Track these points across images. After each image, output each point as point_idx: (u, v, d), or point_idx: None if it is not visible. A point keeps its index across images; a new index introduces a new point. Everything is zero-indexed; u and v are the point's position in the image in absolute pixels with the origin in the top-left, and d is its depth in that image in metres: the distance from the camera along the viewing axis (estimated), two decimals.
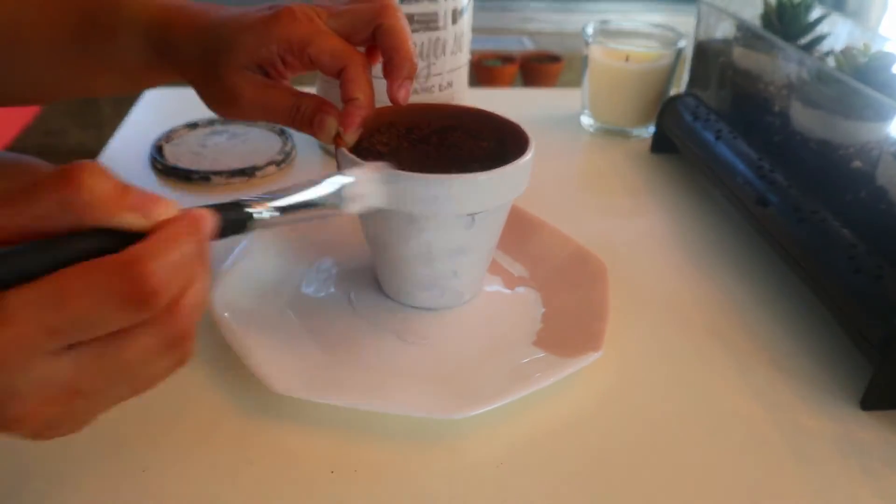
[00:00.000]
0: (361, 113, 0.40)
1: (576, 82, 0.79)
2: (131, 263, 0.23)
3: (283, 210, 0.32)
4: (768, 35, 0.59)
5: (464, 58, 0.64)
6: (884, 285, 0.41)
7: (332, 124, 0.40)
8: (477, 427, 0.38)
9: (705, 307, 0.49)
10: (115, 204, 0.24)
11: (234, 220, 0.30)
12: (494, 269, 0.50)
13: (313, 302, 0.46)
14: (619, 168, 0.68)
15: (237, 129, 0.70)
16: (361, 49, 0.42)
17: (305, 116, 0.41)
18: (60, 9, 0.45)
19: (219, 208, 0.29)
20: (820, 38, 0.59)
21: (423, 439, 0.38)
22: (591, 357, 0.40)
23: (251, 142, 0.68)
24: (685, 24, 0.75)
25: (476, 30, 0.70)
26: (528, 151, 0.41)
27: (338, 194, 0.35)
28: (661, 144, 0.70)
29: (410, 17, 0.57)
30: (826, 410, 0.41)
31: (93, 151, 0.67)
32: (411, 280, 0.44)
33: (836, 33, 0.59)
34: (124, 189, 0.25)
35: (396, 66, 0.41)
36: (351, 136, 0.41)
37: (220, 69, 0.41)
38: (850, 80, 0.48)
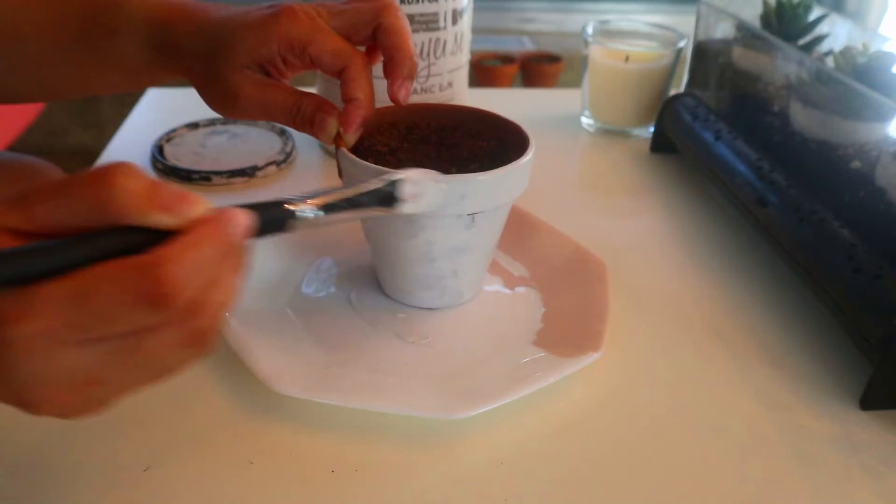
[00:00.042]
0: (362, 113, 0.40)
1: (576, 82, 0.79)
2: (152, 265, 0.24)
3: (329, 208, 0.32)
4: (768, 35, 0.59)
5: (464, 58, 0.64)
6: (883, 285, 0.41)
7: (332, 124, 0.41)
8: (477, 427, 0.38)
9: (705, 307, 0.49)
10: (146, 203, 0.25)
11: (276, 219, 0.30)
12: (494, 269, 0.50)
13: (313, 302, 0.46)
14: (619, 168, 0.68)
15: (238, 129, 0.70)
16: (362, 48, 0.42)
17: (306, 116, 0.41)
18: (62, 8, 0.45)
19: (259, 207, 0.29)
20: (819, 39, 0.59)
21: (423, 439, 0.38)
22: (591, 357, 0.40)
23: (251, 142, 0.68)
24: (685, 24, 0.76)
25: (476, 30, 0.70)
26: (528, 151, 0.41)
27: (389, 193, 0.35)
28: (661, 144, 0.70)
29: (410, 17, 0.57)
30: (825, 410, 0.41)
31: (93, 151, 0.67)
32: (411, 280, 0.44)
33: (836, 33, 0.59)
34: (156, 188, 0.25)
35: (397, 65, 0.41)
36: (351, 137, 0.41)
37: (221, 68, 0.41)
38: (849, 81, 0.48)
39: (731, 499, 0.35)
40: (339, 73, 0.40)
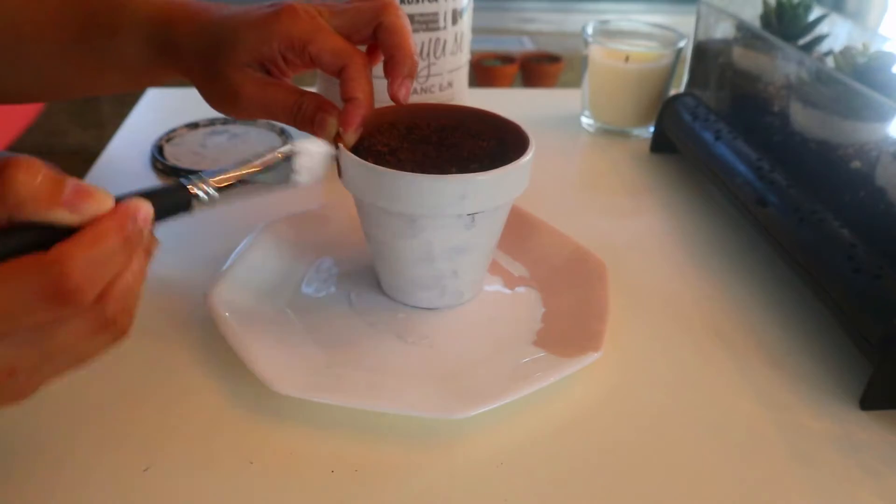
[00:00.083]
0: (361, 112, 0.40)
1: (576, 82, 0.79)
2: (53, 262, 0.25)
3: (227, 188, 0.32)
4: (768, 35, 0.59)
5: (464, 58, 0.64)
6: (883, 285, 0.41)
7: (332, 124, 0.40)
8: (477, 427, 0.38)
9: (705, 307, 0.49)
10: (46, 201, 0.25)
11: (176, 203, 0.31)
12: (494, 269, 0.50)
13: (313, 302, 0.46)
14: (619, 168, 0.68)
15: (237, 129, 0.70)
16: (362, 48, 0.42)
17: (306, 115, 0.41)
18: (62, 7, 0.45)
19: (158, 193, 0.30)
20: (819, 39, 0.59)
21: (423, 439, 0.38)
22: (591, 357, 0.40)
23: (251, 142, 0.68)
24: (685, 24, 0.75)
25: (476, 30, 0.70)
26: (528, 151, 0.41)
27: (286, 168, 0.35)
28: (661, 144, 0.70)
29: (410, 17, 0.57)
30: (825, 410, 0.41)
31: (93, 151, 0.67)
32: (411, 280, 0.44)
33: (836, 33, 0.59)
34: (57, 184, 0.25)
35: (397, 64, 0.41)
36: (351, 136, 0.41)
37: (222, 66, 0.41)
38: (849, 81, 0.48)
39: (731, 499, 0.35)
40: (339, 73, 0.40)
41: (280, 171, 0.35)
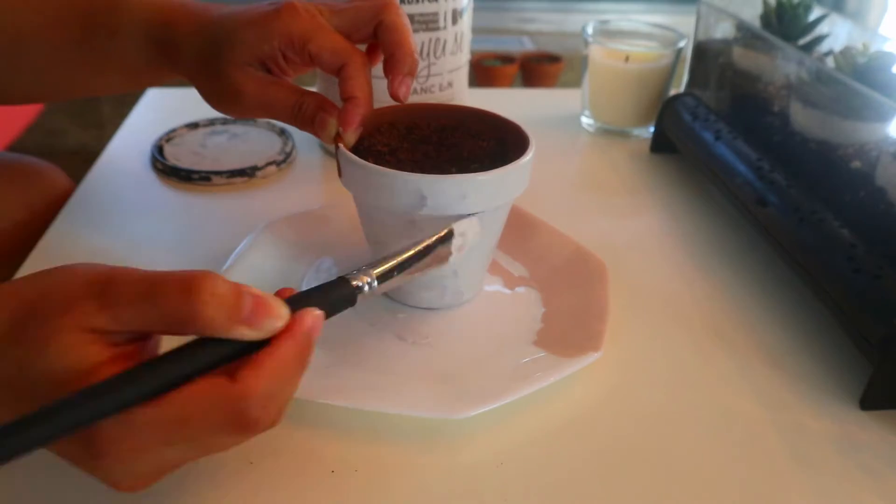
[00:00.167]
0: (360, 111, 0.40)
1: (576, 82, 0.79)
2: (239, 398, 0.26)
3: (387, 276, 0.33)
4: (768, 35, 0.59)
5: (464, 58, 0.64)
6: (883, 285, 0.41)
7: (332, 124, 0.40)
8: (477, 427, 0.38)
9: (705, 307, 0.49)
10: (230, 319, 0.27)
11: (342, 299, 0.32)
12: (494, 269, 0.50)
13: None
14: (619, 168, 0.68)
15: (237, 128, 0.70)
16: (362, 47, 0.42)
17: (307, 115, 0.41)
18: (62, 8, 0.45)
19: (325, 292, 0.31)
20: (819, 39, 0.59)
21: (423, 439, 0.38)
22: (591, 357, 0.40)
23: (251, 142, 0.68)
24: (685, 24, 0.76)
25: (476, 30, 0.70)
26: (528, 151, 0.41)
27: (443, 249, 0.36)
28: (661, 144, 0.70)
29: (410, 17, 0.57)
30: (825, 410, 0.41)
31: (93, 151, 0.67)
32: (411, 280, 0.44)
33: (836, 33, 0.59)
34: (239, 302, 0.27)
35: (398, 62, 0.41)
36: (350, 136, 0.41)
37: (222, 66, 0.41)
38: (849, 81, 0.48)
39: (731, 499, 0.35)
40: (338, 71, 0.40)
41: (437, 252, 0.36)
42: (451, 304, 0.46)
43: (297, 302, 0.30)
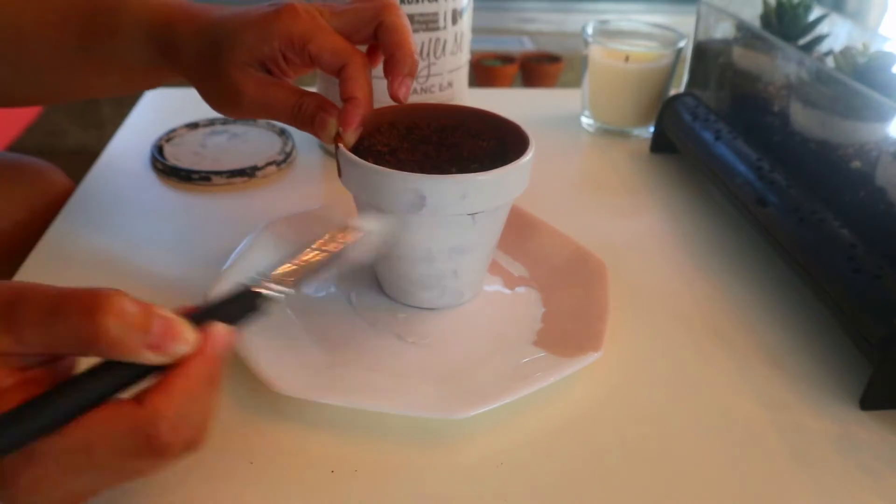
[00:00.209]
0: (360, 112, 0.40)
1: (576, 82, 0.79)
2: (147, 422, 0.26)
3: (288, 278, 0.33)
4: (768, 35, 0.59)
5: (464, 58, 0.64)
6: (883, 285, 0.41)
7: (332, 124, 0.40)
8: (477, 427, 0.38)
9: (705, 307, 0.49)
10: (135, 344, 0.26)
11: (247, 309, 0.31)
12: (494, 269, 0.50)
13: (313, 302, 0.46)
14: (619, 168, 0.68)
15: (237, 129, 0.70)
16: (363, 48, 0.42)
17: (307, 115, 0.41)
18: (62, 10, 0.45)
19: (229, 305, 0.31)
20: (819, 39, 0.59)
21: (423, 439, 0.38)
22: (591, 357, 0.40)
23: (251, 142, 0.68)
24: (685, 24, 0.76)
25: (476, 30, 0.70)
26: (528, 151, 0.41)
27: (346, 251, 0.36)
28: (661, 144, 0.70)
29: (410, 17, 0.57)
30: (825, 410, 0.41)
31: (93, 151, 0.67)
32: (411, 280, 0.44)
33: (836, 33, 0.59)
34: (145, 325, 0.26)
35: (398, 63, 0.41)
36: (350, 136, 0.41)
37: (222, 66, 0.41)
38: (849, 81, 0.48)
39: (731, 499, 0.35)
40: (339, 72, 0.40)
41: (341, 255, 0.36)
42: (451, 304, 0.46)
43: (203, 318, 0.29)
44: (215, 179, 0.61)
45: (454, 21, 0.60)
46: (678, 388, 0.42)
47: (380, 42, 0.42)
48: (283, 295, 0.32)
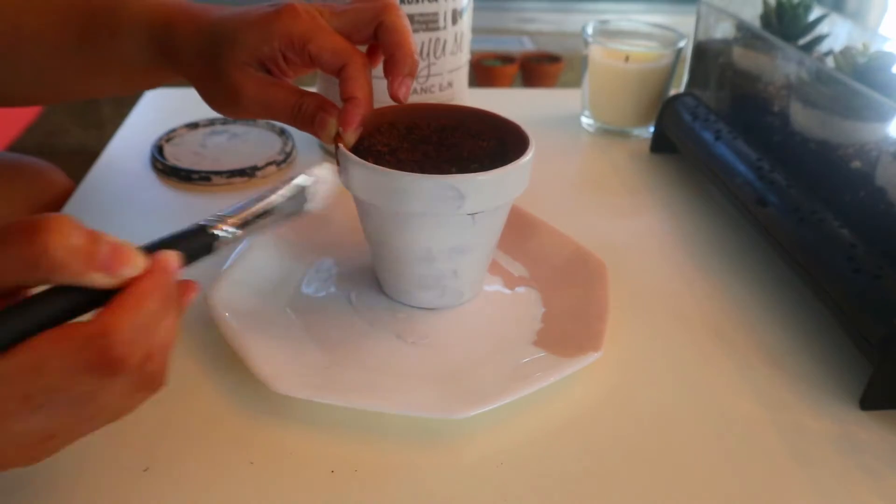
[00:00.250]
0: (360, 112, 0.40)
1: (576, 82, 0.79)
2: (98, 336, 0.25)
3: (246, 224, 0.33)
4: (768, 35, 0.59)
5: (464, 58, 0.64)
6: (883, 285, 0.41)
7: (332, 124, 0.40)
8: (477, 427, 0.38)
9: (705, 307, 0.49)
10: (82, 265, 0.25)
11: (200, 246, 0.32)
12: (494, 269, 0.50)
13: (313, 302, 0.46)
14: (619, 168, 0.68)
15: (237, 129, 0.70)
16: (363, 48, 0.42)
17: (307, 115, 0.41)
18: (62, 10, 0.45)
19: (181, 239, 0.31)
20: (819, 39, 0.59)
21: (423, 439, 0.38)
22: (591, 357, 0.40)
23: (251, 142, 0.68)
24: (685, 24, 0.76)
25: (476, 30, 0.70)
26: (528, 151, 0.41)
27: (300, 197, 0.36)
28: (661, 144, 0.70)
29: (410, 17, 0.57)
30: (825, 410, 0.41)
31: (93, 151, 0.67)
32: (411, 280, 0.44)
33: (836, 33, 0.59)
34: (91, 247, 0.26)
35: (398, 63, 0.41)
36: (350, 136, 0.41)
37: (222, 66, 0.41)
38: (849, 81, 0.48)
39: (731, 499, 0.35)
40: (339, 72, 0.40)
41: (295, 201, 0.36)
42: (451, 304, 0.46)
43: (153, 249, 0.29)
44: (215, 179, 0.61)
45: (454, 21, 0.60)
46: (678, 388, 0.42)
47: (380, 42, 0.42)
48: (230, 235, 0.32)
